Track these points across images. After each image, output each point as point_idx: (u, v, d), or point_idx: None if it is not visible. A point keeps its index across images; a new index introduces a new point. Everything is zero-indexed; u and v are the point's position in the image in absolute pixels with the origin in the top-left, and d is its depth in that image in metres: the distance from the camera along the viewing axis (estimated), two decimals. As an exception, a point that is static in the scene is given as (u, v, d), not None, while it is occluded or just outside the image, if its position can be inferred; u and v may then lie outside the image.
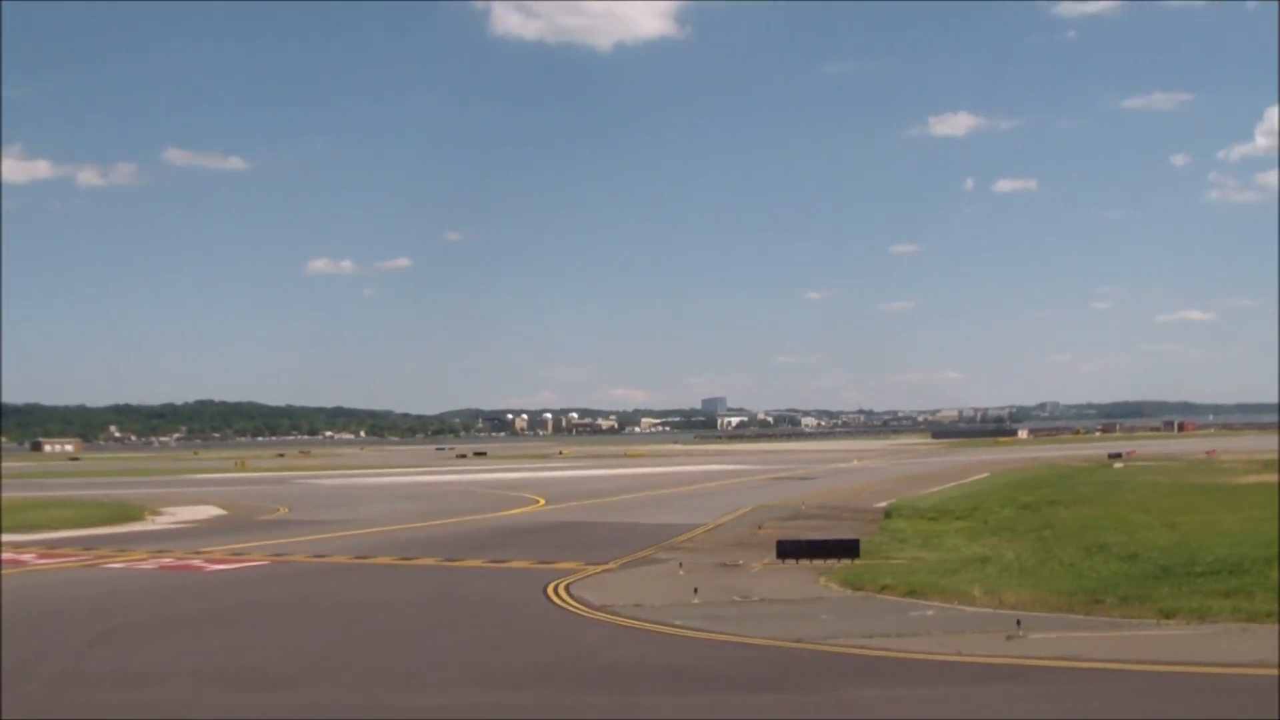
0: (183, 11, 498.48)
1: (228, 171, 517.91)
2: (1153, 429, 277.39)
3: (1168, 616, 21.62)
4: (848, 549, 35.81)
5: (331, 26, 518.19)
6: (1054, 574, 28.41)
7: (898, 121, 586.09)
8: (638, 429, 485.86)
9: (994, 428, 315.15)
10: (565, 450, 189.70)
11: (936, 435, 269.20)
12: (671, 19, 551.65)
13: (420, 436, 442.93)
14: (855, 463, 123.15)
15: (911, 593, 26.32)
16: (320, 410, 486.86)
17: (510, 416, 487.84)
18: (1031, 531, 41.07)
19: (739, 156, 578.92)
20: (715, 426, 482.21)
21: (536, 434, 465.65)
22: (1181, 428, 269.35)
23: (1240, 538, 32.10)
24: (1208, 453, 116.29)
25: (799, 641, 20.26)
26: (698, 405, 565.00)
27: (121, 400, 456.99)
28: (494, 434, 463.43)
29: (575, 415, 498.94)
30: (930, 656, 18.62)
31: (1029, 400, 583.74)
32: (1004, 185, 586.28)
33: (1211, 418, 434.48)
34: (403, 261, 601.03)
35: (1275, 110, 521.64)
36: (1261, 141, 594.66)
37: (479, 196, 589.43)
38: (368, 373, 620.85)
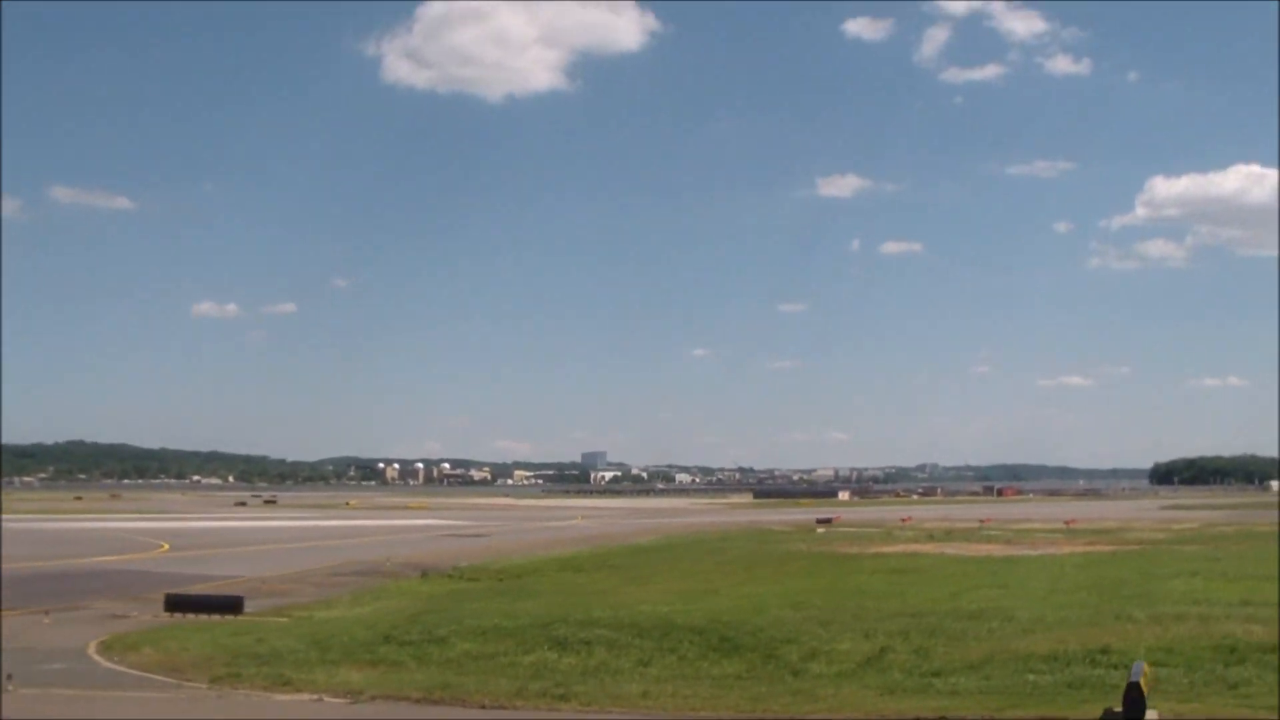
0: (72, 46, 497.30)
1: (114, 210, 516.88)
2: (973, 493, 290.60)
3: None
4: (231, 605, 42.79)
5: (223, 69, 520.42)
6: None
7: (787, 182, 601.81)
8: (510, 481, 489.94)
9: (820, 489, 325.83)
10: (353, 502, 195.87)
11: (758, 496, 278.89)
12: (561, 73, 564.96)
13: (290, 483, 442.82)
14: (579, 520, 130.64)
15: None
16: (195, 454, 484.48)
17: (382, 466, 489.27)
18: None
19: (627, 211, 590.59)
20: (589, 481, 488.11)
21: (407, 484, 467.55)
22: (1000, 493, 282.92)
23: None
24: (903, 520, 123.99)
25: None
26: (578, 459, 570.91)
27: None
28: (364, 483, 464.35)
29: (447, 466, 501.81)
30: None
31: (909, 461, 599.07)
32: (890, 247, 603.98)
33: (1085, 482, 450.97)
34: (289, 306, 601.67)
35: (1156, 181, 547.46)
36: (1141, 211, 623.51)
37: (366, 244, 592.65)
38: (247, 417, 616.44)
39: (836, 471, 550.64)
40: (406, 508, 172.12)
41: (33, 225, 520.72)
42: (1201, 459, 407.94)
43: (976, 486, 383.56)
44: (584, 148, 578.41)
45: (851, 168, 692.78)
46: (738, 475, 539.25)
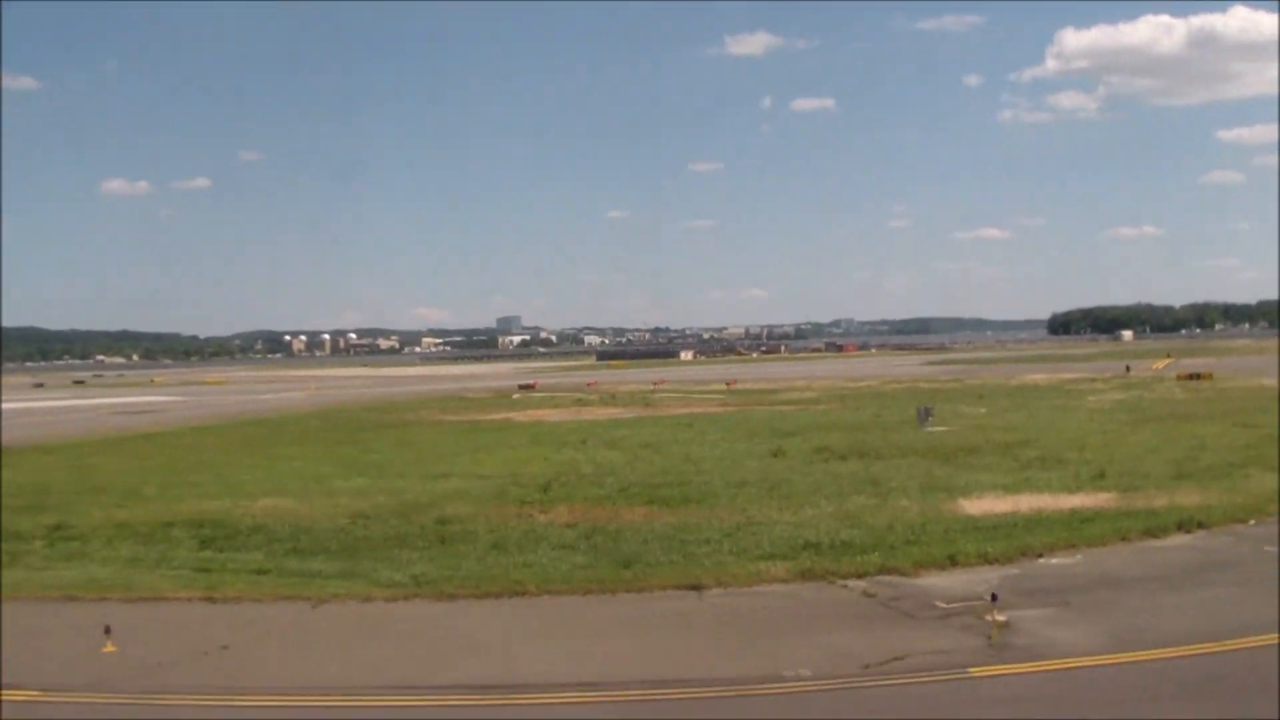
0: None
1: (19, 91, 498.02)
2: (814, 350, 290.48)
3: None
4: None
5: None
6: None
7: (694, 40, 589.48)
8: (418, 349, 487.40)
9: (662, 350, 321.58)
10: (157, 379, 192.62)
11: (601, 358, 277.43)
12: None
13: (195, 359, 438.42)
14: (308, 390, 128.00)
15: None
16: (104, 334, 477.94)
17: (288, 338, 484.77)
18: None
19: (539, 73, 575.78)
20: (496, 346, 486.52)
21: (314, 355, 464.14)
22: (840, 349, 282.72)
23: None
24: (587, 384, 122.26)
25: None
26: (493, 324, 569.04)
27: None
28: (269, 356, 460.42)
29: (354, 336, 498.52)
30: None
31: (825, 317, 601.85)
32: (802, 104, 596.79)
33: (990, 334, 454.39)
34: (201, 182, 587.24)
35: (1066, 33, 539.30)
36: (1052, 64, 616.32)
37: (275, 114, 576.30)
38: (160, 296, 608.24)
39: (747, 329, 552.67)
40: (204, 382, 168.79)
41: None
42: (1098, 309, 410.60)
43: (891, 340, 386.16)
44: (496, 9, 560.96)
45: (761, 24, 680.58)
46: (647, 335, 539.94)
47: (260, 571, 24.51)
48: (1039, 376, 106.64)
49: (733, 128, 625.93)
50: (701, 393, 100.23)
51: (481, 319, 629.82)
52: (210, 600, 21.83)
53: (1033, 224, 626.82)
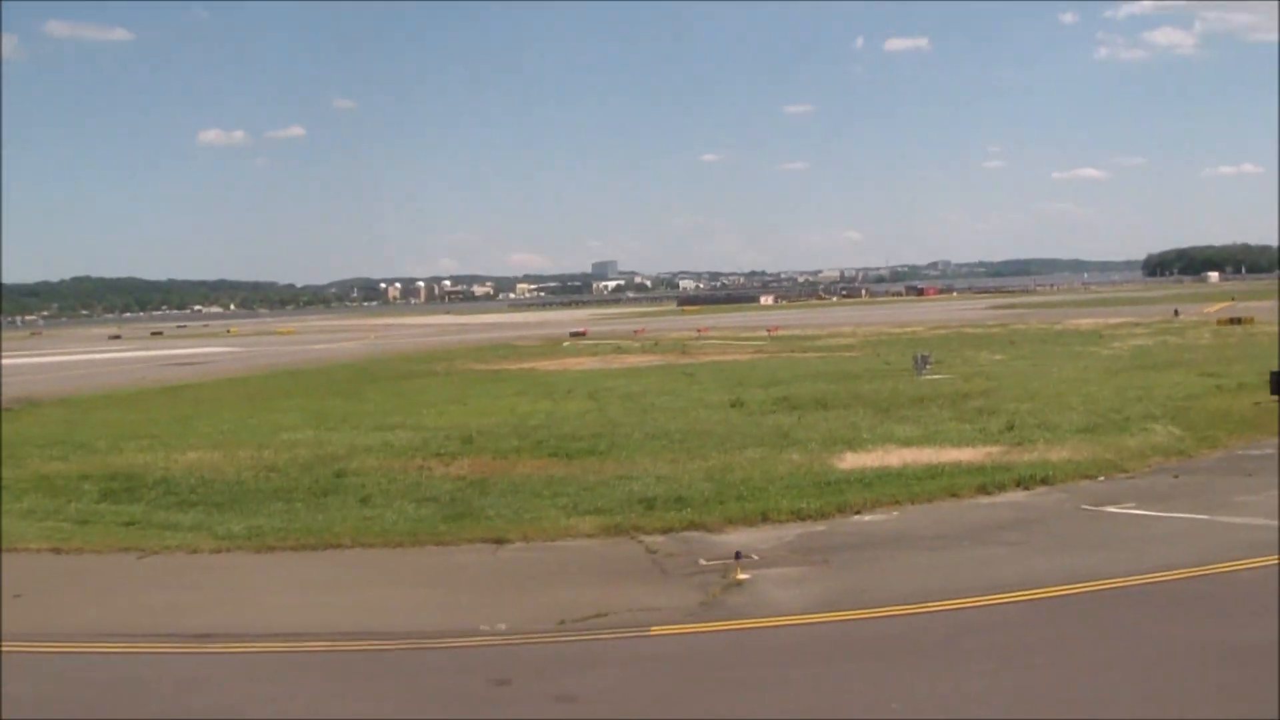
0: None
1: (112, 42, 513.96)
2: (894, 294, 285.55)
3: None
4: None
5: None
6: None
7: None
8: (513, 295, 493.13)
9: (743, 295, 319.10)
10: (234, 329, 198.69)
11: (681, 304, 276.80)
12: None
13: (291, 308, 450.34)
14: (368, 339, 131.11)
15: None
16: (202, 284, 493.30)
17: (384, 286, 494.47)
18: None
19: (633, 21, 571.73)
20: (591, 291, 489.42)
21: (409, 303, 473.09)
22: (920, 292, 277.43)
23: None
24: (635, 331, 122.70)
25: None
26: (589, 269, 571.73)
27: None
28: (366, 304, 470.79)
29: (448, 283, 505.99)
30: None
31: (922, 259, 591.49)
32: (895, 44, 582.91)
33: (1086, 276, 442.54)
34: (296, 130, 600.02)
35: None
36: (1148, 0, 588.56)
37: (370, 61, 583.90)
38: (256, 245, 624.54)
39: (842, 272, 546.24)
40: (275, 332, 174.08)
41: (31, 62, 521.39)
42: (1193, 249, 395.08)
43: (986, 283, 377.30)
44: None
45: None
46: (741, 280, 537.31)
47: (129, 523, 25.83)
48: (1086, 321, 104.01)
49: (825, 69, 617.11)
50: (742, 340, 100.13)
51: (577, 264, 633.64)
52: (56, 551, 23.18)
53: (1131, 163, 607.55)
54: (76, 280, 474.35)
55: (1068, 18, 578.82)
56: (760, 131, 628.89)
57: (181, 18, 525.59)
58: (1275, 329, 76.01)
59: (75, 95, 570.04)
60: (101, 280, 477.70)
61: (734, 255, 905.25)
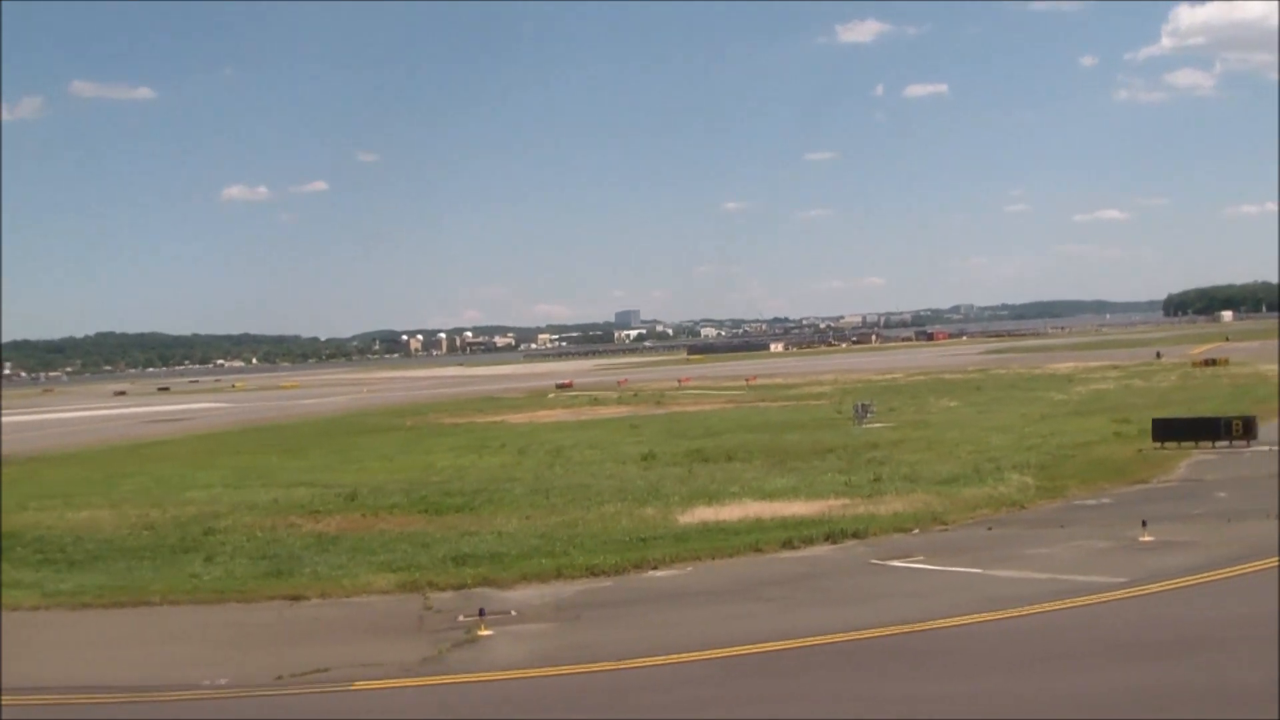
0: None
1: (137, 101, 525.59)
2: (905, 339, 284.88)
3: None
4: None
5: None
6: None
7: (804, 30, 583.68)
8: (534, 345, 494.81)
9: (756, 342, 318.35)
10: (239, 384, 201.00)
11: (691, 353, 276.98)
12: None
13: (313, 361, 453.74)
14: (361, 392, 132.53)
15: None
16: (226, 338, 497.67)
17: (405, 338, 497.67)
18: None
19: (654, 68, 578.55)
20: (612, 340, 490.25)
21: (430, 354, 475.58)
22: (930, 337, 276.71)
23: None
24: (618, 382, 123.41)
25: None
26: (613, 319, 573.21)
27: (19, 336, 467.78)
28: (387, 356, 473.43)
29: (469, 334, 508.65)
30: None
31: (944, 303, 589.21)
32: (915, 90, 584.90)
33: (1109, 318, 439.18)
34: (319, 185, 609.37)
35: (1180, 9, 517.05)
36: (1167, 42, 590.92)
37: (391, 116, 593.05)
38: (280, 298, 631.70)
39: (864, 317, 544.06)
40: (279, 387, 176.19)
41: (55, 121, 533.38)
42: (1213, 288, 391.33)
43: (1004, 326, 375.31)
44: (607, 6, 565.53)
45: (871, 12, 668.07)
46: (763, 326, 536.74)
47: (-22, 580, 26.69)
48: (1066, 365, 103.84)
49: (846, 116, 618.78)
50: (720, 390, 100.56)
51: (600, 313, 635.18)
52: (-117, 608, 24.00)
53: (1153, 204, 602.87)
54: (101, 336, 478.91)
55: (1087, 61, 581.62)
56: (782, 179, 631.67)
57: (206, 77, 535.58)
58: (1246, 370, 75.88)
59: (100, 153, 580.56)
60: (125, 336, 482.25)
61: (756, 302, 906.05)
